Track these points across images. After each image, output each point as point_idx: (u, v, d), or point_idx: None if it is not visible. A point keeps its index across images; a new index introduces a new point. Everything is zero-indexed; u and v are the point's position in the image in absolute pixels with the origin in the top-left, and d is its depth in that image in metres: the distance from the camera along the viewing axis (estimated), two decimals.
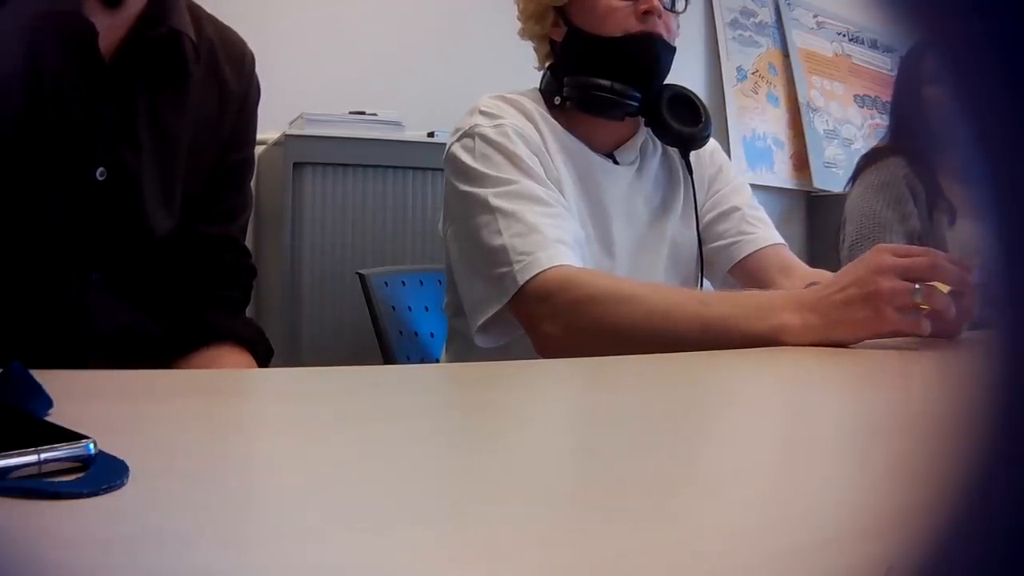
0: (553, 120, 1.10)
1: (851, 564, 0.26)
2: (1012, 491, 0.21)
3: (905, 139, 1.71)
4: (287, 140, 2.09)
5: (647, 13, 1.05)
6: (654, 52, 1.08)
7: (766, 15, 3.49)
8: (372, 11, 2.54)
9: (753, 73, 3.39)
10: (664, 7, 1.07)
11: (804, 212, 3.49)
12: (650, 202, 1.15)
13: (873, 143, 1.95)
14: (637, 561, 0.25)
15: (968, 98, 0.21)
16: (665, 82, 1.12)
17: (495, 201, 0.98)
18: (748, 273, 1.14)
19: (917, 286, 0.79)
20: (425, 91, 2.48)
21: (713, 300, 0.89)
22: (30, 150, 0.77)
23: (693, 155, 1.15)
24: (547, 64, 1.16)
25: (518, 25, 1.17)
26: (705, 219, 1.18)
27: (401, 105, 2.29)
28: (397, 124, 2.22)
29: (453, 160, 1.05)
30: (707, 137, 1.14)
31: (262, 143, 2.12)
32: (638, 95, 1.08)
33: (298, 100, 2.17)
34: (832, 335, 0.81)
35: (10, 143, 0.76)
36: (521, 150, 1.02)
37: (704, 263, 1.16)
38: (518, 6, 1.15)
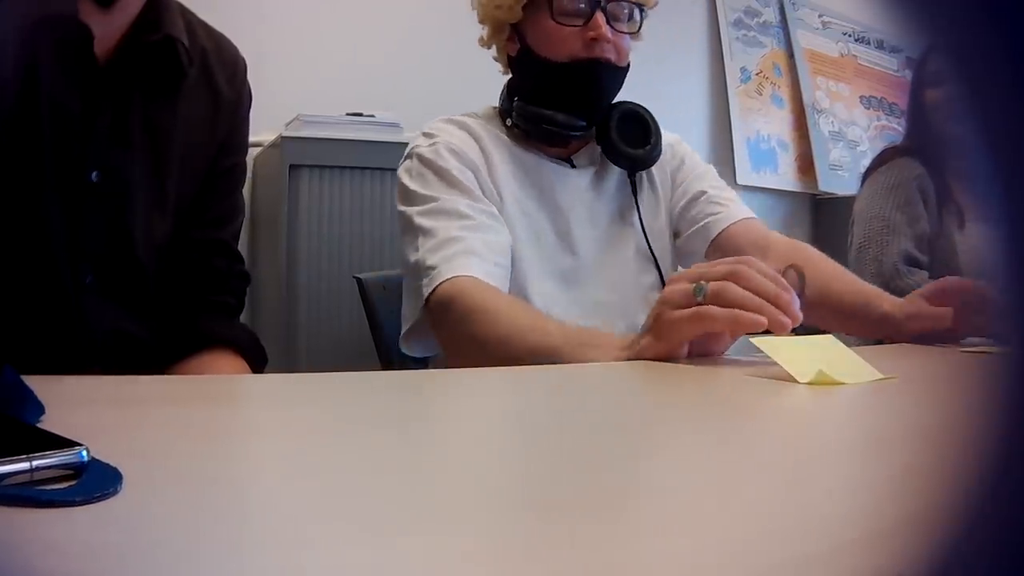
0: (504, 136, 1.13)
1: (860, 572, 0.25)
2: (1021, 498, 0.20)
3: (918, 140, 1.69)
4: (283, 142, 2.09)
5: (595, 40, 1.06)
6: (598, 79, 1.09)
7: (770, 15, 3.47)
8: (369, 12, 2.54)
9: (757, 74, 3.38)
10: (615, 29, 1.08)
11: (809, 215, 3.47)
12: (613, 201, 1.16)
13: (879, 145, 1.93)
14: (639, 570, 0.25)
15: (978, 101, 0.21)
16: (615, 100, 1.13)
17: (417, 219, 1.03)
18: (724, 253, 1.12)
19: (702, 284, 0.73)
20: (423, 93, 2.47)
21: (556, 331, 0.87)
22: (25, 152, 0.78)
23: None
24: (508, 76, 1.19)
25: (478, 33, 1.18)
26: (676, 210, 1.20)
27: (399, 107, 2.29)
28: (395, 126, 2.22)
29: (398, 182, 1.10)
30: (656, 158, 1.15)
31: (258, 145, 2.12)
32: (583, 123, 1.10)
33: (294, 101, 2.16)
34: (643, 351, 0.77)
35: (5, 144, 0.77)
36: (451, 164, 1.06)
37: (683, 254, 1.19)
38: (477, 15, 1.16)
